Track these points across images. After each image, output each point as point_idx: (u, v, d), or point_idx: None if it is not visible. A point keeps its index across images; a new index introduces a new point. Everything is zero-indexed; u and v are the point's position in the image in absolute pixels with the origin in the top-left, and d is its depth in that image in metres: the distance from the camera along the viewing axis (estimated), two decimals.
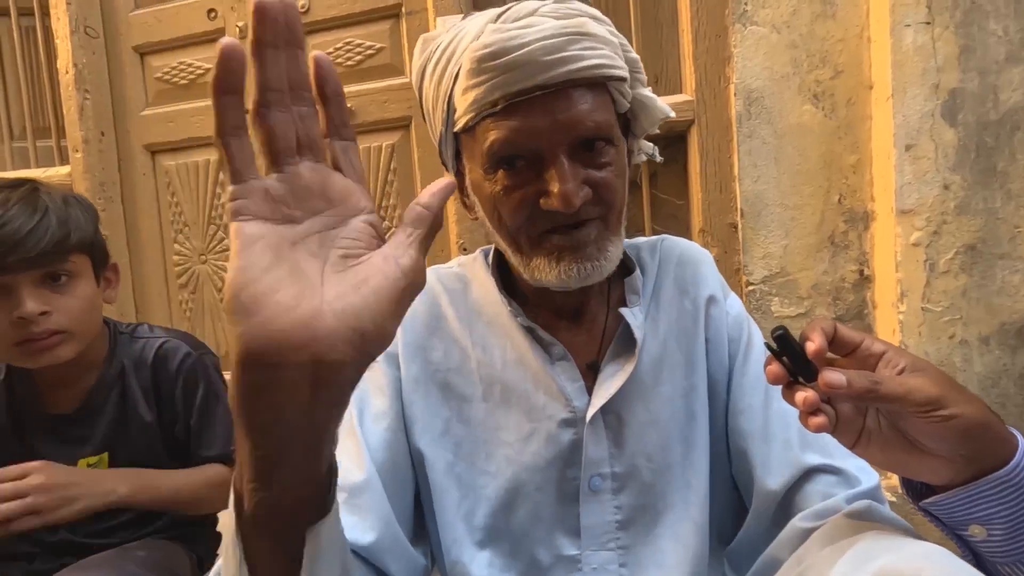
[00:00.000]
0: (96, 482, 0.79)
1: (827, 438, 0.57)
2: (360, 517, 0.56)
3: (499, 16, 0.57)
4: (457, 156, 0.63)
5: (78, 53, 1.78)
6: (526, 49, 0.52)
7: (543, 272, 0.57)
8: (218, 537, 1.07)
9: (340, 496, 0.55)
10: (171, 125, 1.84)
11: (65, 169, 1.81)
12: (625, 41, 0.60)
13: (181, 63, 1.82)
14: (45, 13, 1.85)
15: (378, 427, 0.61)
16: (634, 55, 0.61)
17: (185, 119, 1.82)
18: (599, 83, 0.56)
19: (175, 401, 0.90)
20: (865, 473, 0.57)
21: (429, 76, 0.60)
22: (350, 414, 0.62)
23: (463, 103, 0.56)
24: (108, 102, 1.86)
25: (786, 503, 0.58)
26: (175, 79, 1.83)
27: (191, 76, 1.82)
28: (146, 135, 1.86)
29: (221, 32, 1.76)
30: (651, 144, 0.69)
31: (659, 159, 0.69)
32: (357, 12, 1.65)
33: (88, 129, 1.80)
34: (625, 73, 0.58)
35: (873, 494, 0.56)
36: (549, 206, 0.55)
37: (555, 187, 0.54)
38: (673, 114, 0.65)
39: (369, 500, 0.56)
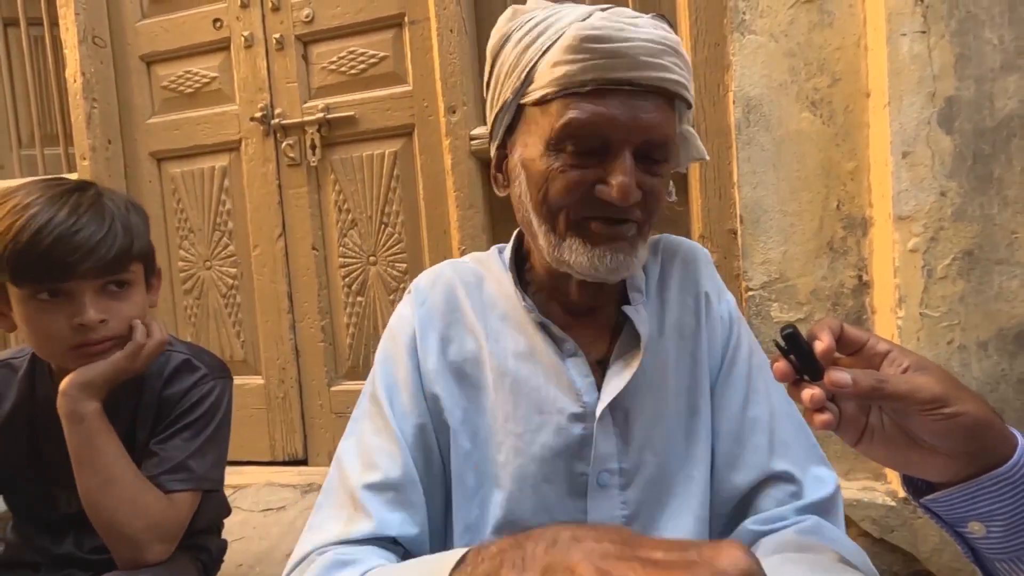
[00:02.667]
0: (96, 382, 0.79)
1: (795, 449, 0.62)
2: (409, 512, 0.60)
3: (605, 9, 0.59)
4: (509, 129, 0.64)
5: (86, 62, 1.81)
6: (631, 43, 0.55)
7: (574, 254, 0.59)
8: (223, 543, 1.07)
9: (387, 495, 0.59)
10: (177, 133, 1.86)
11: (72, 176, 1.83)
12: None
13: (187, 72, 1.84)
14: (54, 23, 1.88)
15: (407, 424, 0.63)
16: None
17: (191, 127, 1.84)
18: (673, 101, 0.59)
19: (170, 417, 0.87)
20: (817, 485, 0.60)
21: (514, 43, 0.61)
22: (381, 407, 0.64)
23: (548, 75, 0.57)
24: (115, 110, 1.88)
25: (745, 502, 0.61)
26: (181, 88, 1.85)
27: (197, 85, 1.84)
28: (152, 143, 1.89)
29: (226, 41, 1.79)
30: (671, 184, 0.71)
31: (673, 198, 0.71)
32: (360, 22, 1.67)
33: (95, 137, 1.83)
34: (692, 101, 0.62)
35: (822, 506, 0.59)
36: (605, 195, 0.56)
37: (617, 179, 0.55)
38: (707, 157, 0.67)
39: (414, 496, 0.60)
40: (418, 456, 0.63)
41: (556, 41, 0.57)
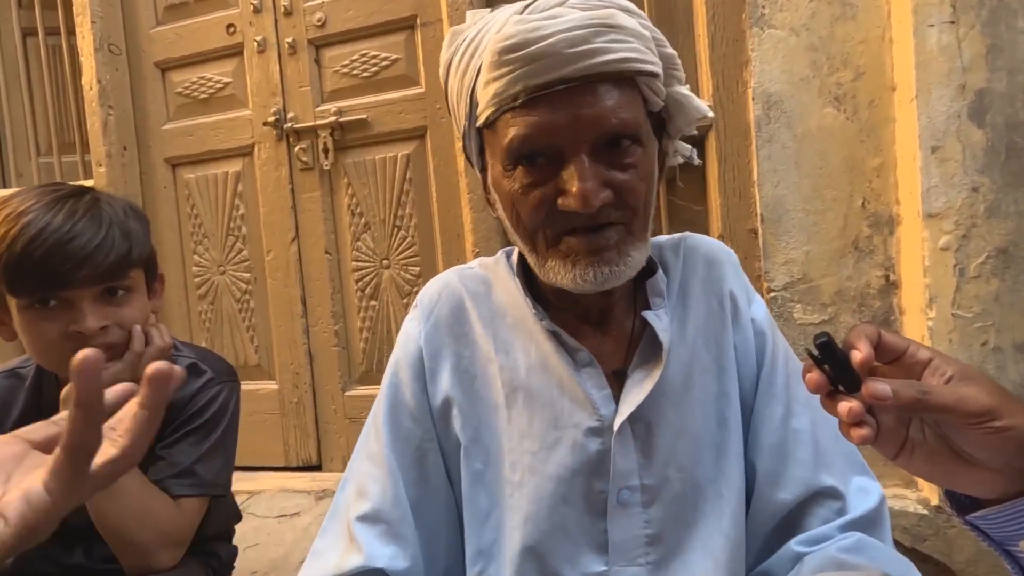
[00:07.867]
0: None
1: (838, 459, 0.59)
2: (400, 546, 0.59)
3: (525, 7, 0.55)
4: (481, 152, 0.61)
5: (102, 70, 1.82)
6: (548, 41, 0.50)
7: (558, 275, 0.55)
8: (234, 550, 1.07)
9: (379, 527, 0.59)
10: (191, 139, 1.86)
11: (89, 183, 1.85)
12: (660, 35, 0.57)
13: (201, 78, 1.85)
14: (71, 32, 1.90)
15: (408, 448, 0.62)
16: (670, 51, 0.58)
17: (204, 133, 1.85)
18: (627, 78, 0.53)
19: (176, 421, 0.86)
20: (862, 497, 0.58)
21: (455, 70, 0.59)
22: (380, 437, 0.63)
23: (484, 96, 0.54)
24: (130, 117, 1.89)
25: (790, 518, 0.58)
26: (195, 93, 1.86)
27: (210, 90, 1.85)
28: (167, 149, 1.89)
29: (239, 46, 1.79)
30: (688, 146, 0.66)
31: (697, 161, 0.67)
32: (373, 24, 1.67)
33: (111, 144, 1.84)
34: (657, 68, 0.55)
35: (868, 519, 0.57)
36: (567, 206, 0.52)
37: (573, 186, 0.51)
38: (711, 113, 0.63)
39: (405, 529, 0.60)
40: (418, 480, 0.62)
41: (483, 60, 0.54)
